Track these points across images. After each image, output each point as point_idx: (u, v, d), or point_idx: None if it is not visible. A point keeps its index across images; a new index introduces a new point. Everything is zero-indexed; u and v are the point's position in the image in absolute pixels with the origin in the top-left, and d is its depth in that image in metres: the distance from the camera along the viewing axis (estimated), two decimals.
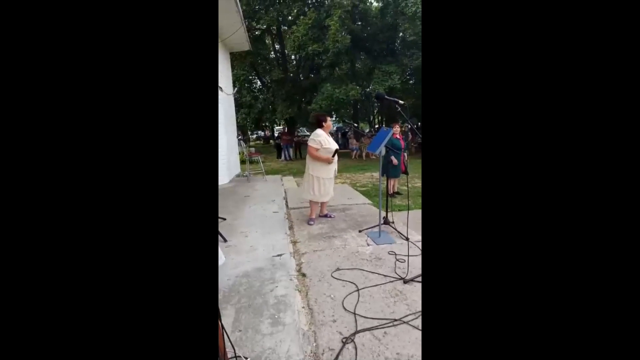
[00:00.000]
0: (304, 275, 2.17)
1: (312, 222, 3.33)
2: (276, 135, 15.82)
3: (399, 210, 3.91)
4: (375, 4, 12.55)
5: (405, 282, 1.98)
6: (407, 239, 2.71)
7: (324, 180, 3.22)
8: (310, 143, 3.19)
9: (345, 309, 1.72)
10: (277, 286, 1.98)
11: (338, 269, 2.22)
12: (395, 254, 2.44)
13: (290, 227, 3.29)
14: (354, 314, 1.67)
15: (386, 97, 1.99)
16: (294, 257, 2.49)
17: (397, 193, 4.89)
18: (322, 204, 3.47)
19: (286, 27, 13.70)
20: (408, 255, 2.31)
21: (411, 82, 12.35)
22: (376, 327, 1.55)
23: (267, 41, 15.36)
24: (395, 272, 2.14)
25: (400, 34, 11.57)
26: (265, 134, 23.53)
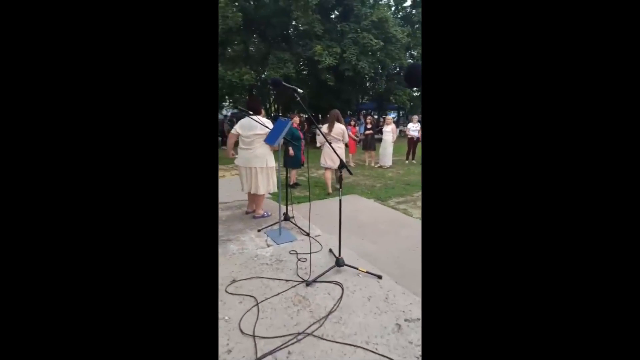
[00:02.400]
0: None
1: (268, 214, 3.18)
2: None
3: (299, 202, 3.85)
4: None
5: (308, 284, 1.88)
6: (307, 234, 2.64)
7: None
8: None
9: (242, 333, 1.46)
10: None
11: (234, 281, 1.92)
12: (297, 253, 2.32)
13: None
14: (253, 336, 1.43)
15: (284, 83, 1.77)
16: None
17: (297, 184, 4.84)
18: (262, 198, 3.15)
19: None
20: (310, 253, 2.23)
21: (304, 72, 12.56)
22: (279, 348, 1.36)
23: None
24: (297, 275, 2.01)
25: (294, 22, 11.49)
26: None
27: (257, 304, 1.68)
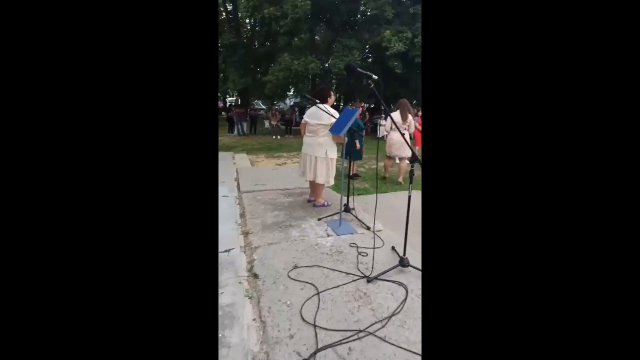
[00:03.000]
0: (255, 276, 1.87)
1: (328, 203, 3.25)
2: (229, 106, 14.59)
3: (358, 194, 3.76)
4: None
5: (369, 280, 1.81)
6: (368, 228, 2.56)
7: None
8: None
9: (303, 320, 1.48)
10: (223, 292, 1.66)
11: (295, 267, 1.96)
12: (357, 247, 2.26)
13: (242, 215, 2.92)
14: (314, 325, 1.44)
15: (359, 69, 1.68)
16: (244, 252, 2.17)
17: (357, 175, 4.75)
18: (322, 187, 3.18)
19: None
20: (374, 248, 2.15)
21: (369, 60, 12.13)
22: (339, 342, 1.34)
23: None
24: (358, 269, 1.96)
25: (362, 7, 11.09)
26: None
27: (318, 294, 1.68)
